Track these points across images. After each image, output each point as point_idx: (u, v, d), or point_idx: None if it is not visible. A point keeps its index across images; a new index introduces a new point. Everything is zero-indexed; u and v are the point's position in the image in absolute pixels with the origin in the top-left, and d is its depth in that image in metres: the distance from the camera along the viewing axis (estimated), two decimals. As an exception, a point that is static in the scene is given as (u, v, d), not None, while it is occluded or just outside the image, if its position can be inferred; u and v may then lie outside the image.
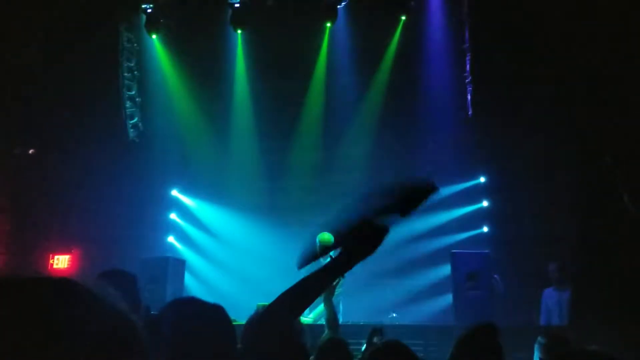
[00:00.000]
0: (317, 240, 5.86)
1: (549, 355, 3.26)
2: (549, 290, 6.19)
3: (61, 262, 8.39)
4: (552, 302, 6.11)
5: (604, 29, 6.26)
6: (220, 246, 8.32)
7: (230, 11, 7.90)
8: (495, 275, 6.37)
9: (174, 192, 8.67)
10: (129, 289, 2.64)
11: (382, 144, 7.94)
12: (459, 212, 7.76)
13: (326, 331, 3.33)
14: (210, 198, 8.42)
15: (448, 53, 7.78)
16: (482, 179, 7.91)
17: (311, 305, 5.83)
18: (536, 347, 3.54)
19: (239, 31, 8.11)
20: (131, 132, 8.30)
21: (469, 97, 7.52)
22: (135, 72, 8.28)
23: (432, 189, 1.57)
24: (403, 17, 7.85)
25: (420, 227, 7.69)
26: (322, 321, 5.69)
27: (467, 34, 7.52)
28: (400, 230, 7.44)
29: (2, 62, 7.89)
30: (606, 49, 6.24)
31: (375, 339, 3.60)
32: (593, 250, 6.20)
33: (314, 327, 3.96)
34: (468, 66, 7.48)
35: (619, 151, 5.70)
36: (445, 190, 7.75)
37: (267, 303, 4.43)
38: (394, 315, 6.25)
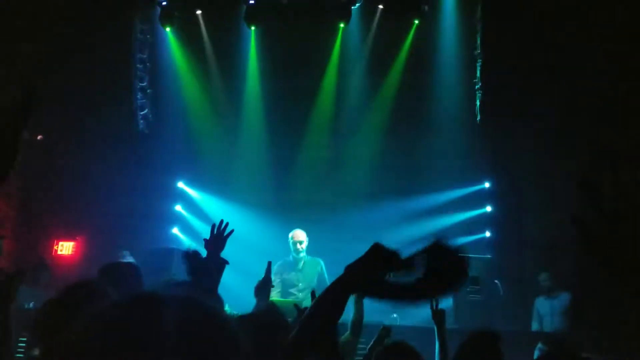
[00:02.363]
0: (290, 236, 5.97)
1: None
2: (540, 299, 6.30)
3: (65, 248, 8.46)
4: (544, 310, 6.22)
5: (616, 39, 6.29)
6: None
7: (244, 7, 7.96)
8: (496, 280, 6.41)
9: (180, 184, 8.72)
10: (133, 282, 2.69)
11: (390, 145, 7.98)
12: (462, 216, 7.80)
13: (347, 332, 3.33)
14: (216, 192, 8.46)
15: (459, 58, 7.82)
16: (487, 184, 7.96)
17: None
18: (536, 352, 3.59)
19: (253, 28, 8.16)
20: (141, 123, 8.36)
21: (478, 102, 7.57)
22: (148, 64, 8.34)
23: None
24: (416, 21, 7.90)
25: (423, 230, 7.74)
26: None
27: (478, 40, 7.57)
28: (404, 233, 7.48)
29: (14, 49, 7.94)
30: (617, 59, 6.28)
31: (386, 340, 3.62)
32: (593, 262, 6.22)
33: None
34: (478, 72, 7.52)
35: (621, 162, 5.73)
36: (450, 194, 7.81)
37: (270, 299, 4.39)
38: (395, 316, 6.29)
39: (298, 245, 5.94)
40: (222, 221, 2.76)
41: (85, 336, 0.66)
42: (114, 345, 0.63)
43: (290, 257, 6.02)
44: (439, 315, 3.43)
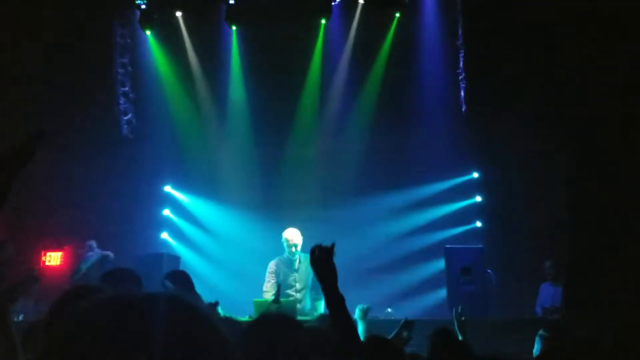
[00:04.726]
0: (284, 237, 5.93)
1: (550, 347, 3.33)
2: (545, 285, 6.42)
3: (53, 259, 8.35)
4: (547, 296, 6.33)
5: (600, 25, 6.31)
6: (214, 242, 8.31)
7: (224, 7, 7.90)
8: (489, 270, 6.45)
9: (167, 188, 8.65)
10: (133, 287, 2.65)
11: (377, 139, 7.97)
12: (452, 207, 7.82)
13: None
14: (204, 194, 8.41)
15: (442, 49, 7.82)
16: (476, 174, 7.97)
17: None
18: (537, 339, 3.61)
19: (234, 27, 8.10)
20: (124, 128, 8.26)
21: (462, 93, 7.57)
22: (129, 68, 8.25)
23: None
24: (397, 14, 7.89)
25: (414, 223, 7.75)
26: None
27: (460, 31, 7.56)
28: (395, 226, 7.50)
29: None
30: (600, 46, 6.30)
31: (404, 333, 3.58)
32: (586, 244, 6.29)
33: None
34: (462, 62, 7.52)
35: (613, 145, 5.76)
36: (439, 186, 7.83)
37: (262, 299, 4.51)
38: (389, 310, 6.29)
39: (293, 249, 5.90)
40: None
41: (72, 337, 0.64)
42: (100, 345, 0.62)
43: (284, 256, 5.97)
44: (463, 326, 3.61)
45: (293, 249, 5.88)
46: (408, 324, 3.67)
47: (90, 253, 6.85)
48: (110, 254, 6.78)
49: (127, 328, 0.63)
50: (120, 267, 2.72)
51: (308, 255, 6.09)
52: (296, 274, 5.86)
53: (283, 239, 5.95)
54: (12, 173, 1.38)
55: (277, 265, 5.93)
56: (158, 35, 8.31)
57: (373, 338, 2.74)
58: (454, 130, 7.68)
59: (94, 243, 6.93)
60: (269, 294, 5.71)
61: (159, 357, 0.62)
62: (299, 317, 4.87)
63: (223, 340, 0.68)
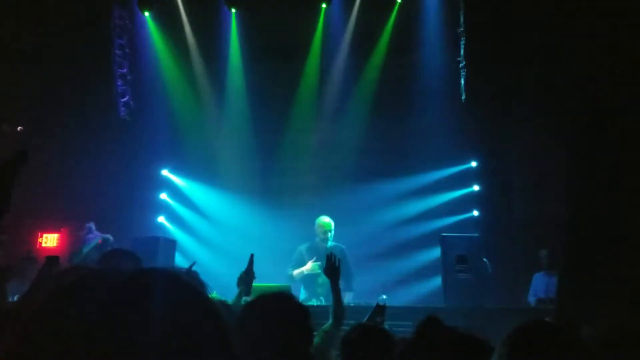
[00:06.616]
0: (316, 222, 5.92)
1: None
2: (539, 274, 6.43)
3: (50, 240, 8.36)
4: (541, 286, 6.35)
5: (603, 16, 6.25)
6: (211, 227, 8.31)
7: (224, -11, 7.81)
8: (484, 259, 6.46)
9: (165, 172, 8.62)
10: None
11: (376, 126, 7.94)
12: (449, 195, 7.83)
13: (330, 321, 3.28)
14: (201, 178, 8.39)
15: (443, 37, 7.75)
16: (474, 163, 7.97)
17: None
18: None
19: (233, 10, 8.02)
20: (122, 111, 8.21)
21: (462, 81, 7.53)
22: (127, 50, 8.17)
23: None
24: (399, 0, 7.81)
25: (410, 211, 7.76)
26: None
27: (461, 18, 7.49)
28: (392, 213, 7.48)
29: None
30: (604, 36, 6.25)
31: (378, 318, 3.58)
32: (583, 234, 6.29)
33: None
34: (462, 50, 7.46)
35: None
36: (437, 174, 7.83)
37: (262, 284, 4.42)
38: (384, 297, 6.30)
39: (329, 234, 5.91)
40: None
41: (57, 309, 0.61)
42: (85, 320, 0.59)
43: (315, 243, 5.97)
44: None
45: (329, 234, 5.89)
46: (380, 309, 3.68)
47: (90, 235, 6.86)
48: (110, 237, 6.81)
49: (124, 306, 0.61)
50: (119, 248, 2.71)
51: (339, 246, 6.08)
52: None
53: (318, 224, 5.95)
54: (10, 181, 1.47)
55: (306, 251, 5.93)
56: (157, 16, 8.23)
57: (362, 325, 2.75)
58: (453, 118, 7.64)
59: (93, 225, 6.95)
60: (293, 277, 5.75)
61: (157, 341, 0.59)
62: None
63: (221, 322, 0.66)
